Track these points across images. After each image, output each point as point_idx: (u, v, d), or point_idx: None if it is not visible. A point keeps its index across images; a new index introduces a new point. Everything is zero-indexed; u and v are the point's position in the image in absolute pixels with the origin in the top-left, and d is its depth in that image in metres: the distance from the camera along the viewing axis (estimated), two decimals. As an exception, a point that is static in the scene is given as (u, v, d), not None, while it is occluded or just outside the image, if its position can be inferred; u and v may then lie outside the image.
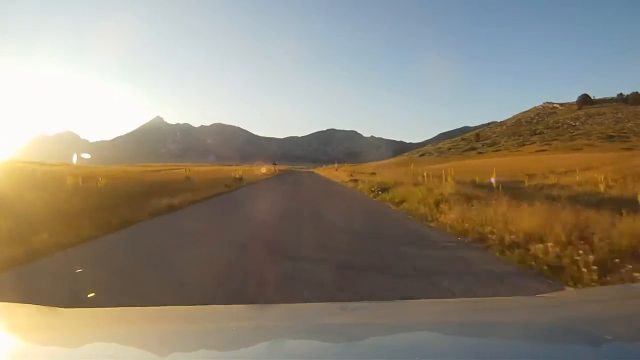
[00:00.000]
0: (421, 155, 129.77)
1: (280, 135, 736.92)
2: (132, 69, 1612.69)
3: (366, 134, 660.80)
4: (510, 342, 1.07)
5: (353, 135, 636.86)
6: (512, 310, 1.45)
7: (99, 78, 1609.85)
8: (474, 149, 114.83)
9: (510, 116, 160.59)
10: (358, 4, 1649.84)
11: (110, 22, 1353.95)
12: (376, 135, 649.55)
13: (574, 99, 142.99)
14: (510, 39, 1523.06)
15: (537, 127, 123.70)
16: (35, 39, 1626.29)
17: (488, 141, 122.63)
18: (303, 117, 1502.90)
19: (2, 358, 0.86)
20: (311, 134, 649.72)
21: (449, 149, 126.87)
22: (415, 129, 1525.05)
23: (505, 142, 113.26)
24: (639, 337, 1.05)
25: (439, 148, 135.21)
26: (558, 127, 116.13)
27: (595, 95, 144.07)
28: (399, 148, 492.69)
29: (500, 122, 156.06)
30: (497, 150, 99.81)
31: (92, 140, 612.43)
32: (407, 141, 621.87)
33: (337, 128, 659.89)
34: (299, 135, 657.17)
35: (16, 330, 1.19)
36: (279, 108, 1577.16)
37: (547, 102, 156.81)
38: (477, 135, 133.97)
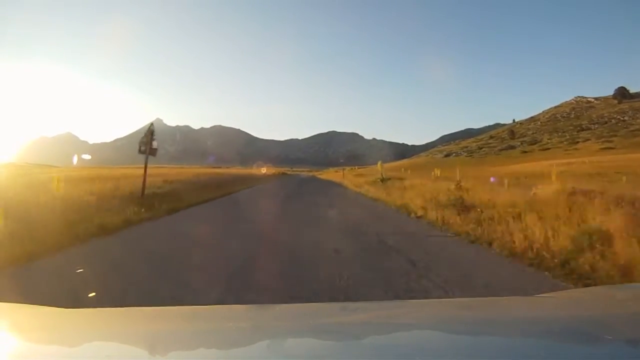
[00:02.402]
0: (446, 156, 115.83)
1: (281, 137, 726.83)
2: (132, 70, 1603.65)
3: (367, 136, 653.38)
4: (510, 342, 1.06)
5: (354, 137, 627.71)
6: (512, 310, 1.44)
7: (99, 80, 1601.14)
8: (512, 147, 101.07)
9: (540, 111, 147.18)
10: (359, 6, 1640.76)
11: (110, 24, 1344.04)
12: (378, 138, 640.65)
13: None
14: (513, 42, 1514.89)
15: (581, 122, 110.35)
16: (35, 41, 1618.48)
17: (526, 138, 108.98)
18: (304, 119, 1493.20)
19: (2, 358, 0.86)
20: (312, 136, 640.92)
21: (480, 147, 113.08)
22: (417, 132, 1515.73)
23: (549, 139, 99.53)
24: (639, 337, 1.04)
25: (466, 147, 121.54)
26: (606, 123, 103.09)
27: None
28: (401, 150, 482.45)
29: (532, 117, 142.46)
30: (545, 149, 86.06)
31: (91, 142, 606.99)
32: (410, 143, 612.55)
33: (338, 130, 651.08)
34: (300, 138, 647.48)
35: (16, 330, 1.20)
36: (279, 110, 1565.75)
37: (580, 97, 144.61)
38: (512, 132, 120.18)
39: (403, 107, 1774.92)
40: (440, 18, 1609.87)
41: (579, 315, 1.31)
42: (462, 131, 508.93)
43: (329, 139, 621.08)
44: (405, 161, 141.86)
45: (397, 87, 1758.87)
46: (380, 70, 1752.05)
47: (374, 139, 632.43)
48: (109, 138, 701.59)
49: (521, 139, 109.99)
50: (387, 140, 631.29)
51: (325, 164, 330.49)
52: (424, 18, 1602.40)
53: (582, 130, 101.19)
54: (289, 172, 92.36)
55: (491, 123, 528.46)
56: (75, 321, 1.30)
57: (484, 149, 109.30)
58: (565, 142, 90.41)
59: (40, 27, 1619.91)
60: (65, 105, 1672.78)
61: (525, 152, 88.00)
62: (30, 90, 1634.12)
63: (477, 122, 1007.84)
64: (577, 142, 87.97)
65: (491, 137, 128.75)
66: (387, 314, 1.40)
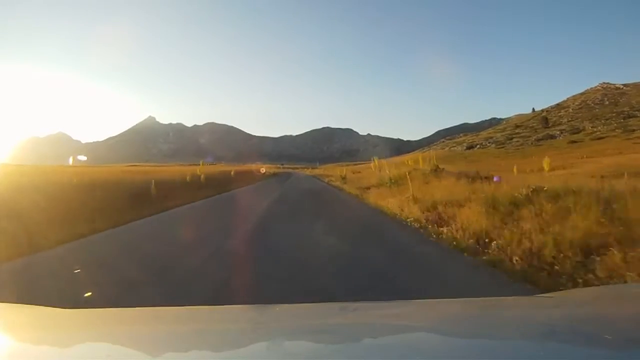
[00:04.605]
0: (469, 148, 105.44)
1: (275, 134, 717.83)
2: (124, 68, 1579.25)
3: (362, 132, 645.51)
4: (510, 342, 1.06)
5: (349, 133, 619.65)
6: (512, 310, 1.44)
7: (91, 78, 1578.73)
8: (551, 136, 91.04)
9: (565, 98, 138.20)
10: (353, 2, 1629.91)
11: (101, 23, 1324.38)
12: (373, 133, 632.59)
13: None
14: (506, 39, 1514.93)
15: (621, 109, 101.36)
16: (25, 41, 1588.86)
17: (564, 127, 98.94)
18: (298, 115, 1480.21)
19: (2, 358, 0.86)
20: (306, 132, 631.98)
21: (510, 138, 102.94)
22: (412, 127, 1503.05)
23: (593, 127, 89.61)
24: (639, 337, 1.04)
25: (490, 138, 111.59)
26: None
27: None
28: (397, 146, 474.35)
29: (558, 104, 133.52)
30: (598, 139, 76.05)
31: (84, 141, 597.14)
32: (405, 139, 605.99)
33: (333, 126, 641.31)
34: (294, 134, 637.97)
35: (16, 330, 1.19)
36: (273, 106, 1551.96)
37: (605, 82, 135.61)
38: (546, 119, 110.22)
39: (397, 102, 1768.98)
40: (434, 13, 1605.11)
41: (579, 315, 1.30)
42: (458, 126, 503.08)
43: (324, 134, 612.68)
44: (415, 154, 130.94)
45: (392, 82, 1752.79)
46: (375, 66, 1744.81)
47: (368, 134, 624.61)
48: (101, 137, 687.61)
49: (558, 128, 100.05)
50: (382, 135, 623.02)
51: (320, 160, 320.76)
52: (417, 14, 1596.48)
53: (628, 117, 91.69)
54: (273, 171, 66.09)
55: (487, 118, 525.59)
56: (75, 321, 1.29)
57: (515, 140, 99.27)
58: (618, 130, 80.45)
59: (30, 26, 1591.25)
60: (57, 104, 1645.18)
61: (574, 142, 77.84)
62: (20, 91, 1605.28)
63: (473, 117, 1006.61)
64: (633, 130, 78.10)
65: (517, 127, 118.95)
66: (387, 314, 1.39)
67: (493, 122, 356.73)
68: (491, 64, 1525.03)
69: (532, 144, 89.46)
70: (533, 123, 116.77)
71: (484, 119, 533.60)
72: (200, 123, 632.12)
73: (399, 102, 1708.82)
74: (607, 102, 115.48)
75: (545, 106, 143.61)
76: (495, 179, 12.49)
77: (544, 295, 1.74)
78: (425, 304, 1.79)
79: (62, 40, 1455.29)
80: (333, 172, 53.68)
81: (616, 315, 1.26)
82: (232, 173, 33.95)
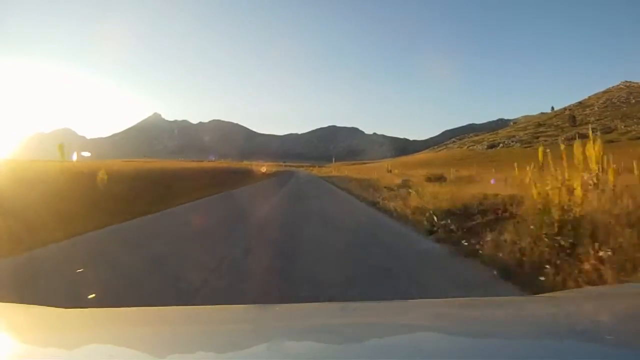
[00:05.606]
0: (490, 148, 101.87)
1: (280, 132, 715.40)
2: (129, 65, 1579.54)
3: (368, 131, 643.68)
4: (510, 342, 1.06)
5: (355, 132, 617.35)
6: (512, 310, 1.45)
7: (96, 74, 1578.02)
8: (583, 136, 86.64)
9: (586, 96, 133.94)
10: (359, 1, 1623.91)
11: (107, 19, 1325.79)
12: (378, 133, 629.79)
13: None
14: (513, 40, 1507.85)
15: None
16: (31, 37, 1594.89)
17: (593, 125, 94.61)
18: (303, 113, 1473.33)
19: (2, 358, 0.86)
20: (312, 131, 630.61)
21: (536, 137, 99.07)
22: (418, 127, 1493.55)
23: (626, 126, 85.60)
24: (639, 337, 1.04)
25: (512, 137, 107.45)
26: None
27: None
28: (402, 146, 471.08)
29: (580, 102, 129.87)
30: (637, 138, 71.89)
31: (89, 137, 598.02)
32: (411, 139, 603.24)
33: (339, 125, 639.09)
34: (299, 133, 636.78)
35: (16, 330, 1.20)
36: (278, 105, 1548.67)
37: (627, 81, 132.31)
38: (574, 118, 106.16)
39: (403, 102, 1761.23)
40: (440, 14, 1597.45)
41: (579, 315, 1.30)
42: (465, 126, 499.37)
43: (329, 133, 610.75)
44: (427, 154, 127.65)
45: (397, 82, 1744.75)
46: (381, 66, 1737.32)
47: (374, 133, 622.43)
48: (106, 133, 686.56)
49: (586, 127, 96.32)
50: (388, 135, 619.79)
51: (326, 159, 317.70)
52: (424, 14, 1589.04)
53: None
54: (273, 170, 60.44)
55: (494, 118, 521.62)
56: (75, 321, 1.29)
57: (542, 138, 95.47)
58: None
59: (36, 23, 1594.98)
60: (62, 100, 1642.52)
61: (611, 141, 74.05)
62: (26, 87, 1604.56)
63: (479, 118, 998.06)
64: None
65: (540, 125, 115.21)
66: (387, 314, 1.39)
67: (500, 123, 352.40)
68: (497, 65, 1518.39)
69: (562, 143, 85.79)
70: (557, 121, 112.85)
71: (490, 119, 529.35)
72: (206, 120, 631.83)
73: (405, 101, 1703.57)
74: (633, 101, 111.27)
75: (553, 108, 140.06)
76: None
77: (544, 295, 1.73)
78: (426, 304, 1.76)
79: (68, 36, 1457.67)
80: (366, 172, 38.13)
81: (616, 315, 1.25)
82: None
